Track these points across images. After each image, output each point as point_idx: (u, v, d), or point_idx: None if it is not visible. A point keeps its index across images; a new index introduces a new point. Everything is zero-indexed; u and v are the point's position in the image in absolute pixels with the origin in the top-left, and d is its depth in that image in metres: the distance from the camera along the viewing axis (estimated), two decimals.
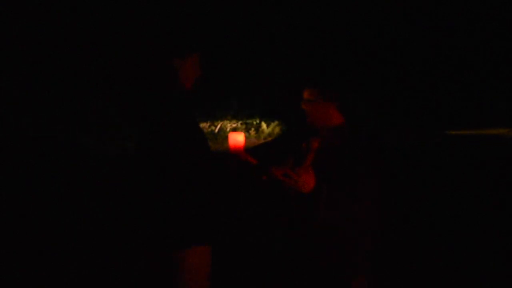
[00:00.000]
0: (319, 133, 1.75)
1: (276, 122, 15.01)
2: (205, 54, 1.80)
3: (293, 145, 1.79)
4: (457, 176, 7.91)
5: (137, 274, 1.75)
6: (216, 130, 14.15)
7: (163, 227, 1.61)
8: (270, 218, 1.82)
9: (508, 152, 12.16)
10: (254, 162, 1.69)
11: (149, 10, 10.01)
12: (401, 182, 6.21)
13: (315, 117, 1.74)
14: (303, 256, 1.70)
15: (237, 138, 1.70)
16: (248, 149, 1.75)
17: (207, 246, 1.67)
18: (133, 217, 1.70)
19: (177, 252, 1.61)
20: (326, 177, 1.61)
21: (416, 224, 4.50)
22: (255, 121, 15.26)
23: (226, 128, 14.33)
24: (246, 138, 1.74)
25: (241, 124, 14.91)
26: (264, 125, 15.12)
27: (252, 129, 15.18)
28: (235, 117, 14.83)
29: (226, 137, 1.73)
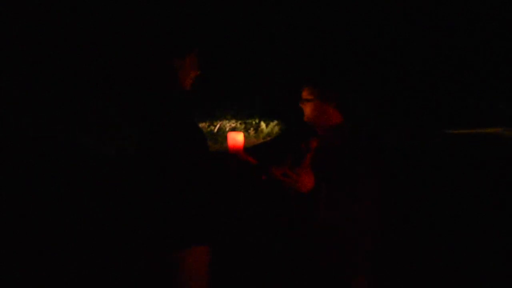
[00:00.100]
0: (317, 133, 1.75)
1: (275, 122, 15.01)
2: (204, 53, 1.80)
3: (292, 145, 1.79)
4: (456, 176, 7.91)
5: (137, 274, 1.75)
6: (215, 130, 14.15)
7: (163, 227, 1.61)
8: (270, 218, 1.82)
9: (505, 151, 12.18)
10: (253, 162, 1.69)
11: (148, 10, 10.01)
12: (401, 182, 6.22)
13: (314, 116, 1.74)
14: (303, 256, 1.70)
15: (236, 138, 1.70)
16: (247, 148, 1.75)
17: (207, 246, 1.67)
18: (133, 217, 1.70)
19: (177, 252, 1.61)
20: (325, 177, 1.61)
21: (416, 224, 4.50)
22: (254, 121, 15.25)
23: (225, 128, 14.33)
24: (245, 137, 1.74)
25: (240, 123, 14.91)
26: (263, 124, 15.12)
27: (251, 128, 15.18)
28: (234, 116, 14.83)
29: (225, 137, 1.73)
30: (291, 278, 1.72)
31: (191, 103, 1.74)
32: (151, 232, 1.64)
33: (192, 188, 1.62)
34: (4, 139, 7.97)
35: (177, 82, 1.72)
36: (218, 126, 14.25)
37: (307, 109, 1.75)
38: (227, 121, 14.67)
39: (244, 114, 14.80)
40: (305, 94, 1.75)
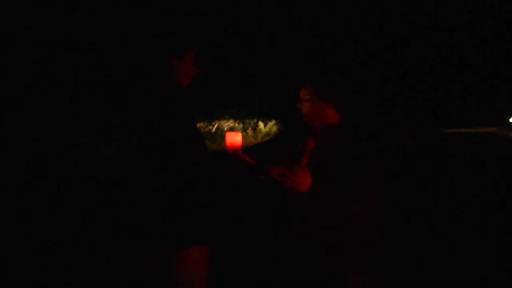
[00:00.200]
0: (315, 133, 1.75)
1: (273, 122, 15.00)
2: (204, 54, 1.80)
3: (290, 144, 1.79)
4: (456, 175, 7.91)
5: (137, 274, 1.75)
6: (214, 130, 14.15)
7: (163, 227, 1.61)
8: (270, 218, 1.82)
9: (503, 151, 12.14)
10: (251, 162, 1.69)
11: (148, 10, 10.01)
12: (401, 182, 6.21)
13: (311, 116, 1.74)
14: (303, 256, 1.69)
15: (235, 138, 1.70)
16: (246, 148, 1.75)
17: (206, 246, 1.67)
18: (133, 217, 1.70)
19: (177, 252, 1.61)
20: (323, 177, 1.61)
21: (416, 224, 4.50)
22: (253, 120, 15.24)
23: (223, 128, 14.34)
24: (244, 137, 1.74)
25: (238, 123, 14.91)
26: (261, 124, 15.11)
27: (250, 128, 15.17)
28: (232, 116, 14.83)
29: (224, 137, 1.73)
30: (291, 278, 1.72)
31: (190, 103, 1.74)
32: (151, 232, 1.64)
33: (192, 188, 1.62)
34: (4, 139, 7.97)
35: (176, 82, 1.72)
36: (216, 126, 14.24)
37: (305, 109, 1.75)
38: (225, 121, 14.67)
39: (243, 114, 14.79)
40: (302, 94, 1.75)
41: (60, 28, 9.62)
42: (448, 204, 5.42)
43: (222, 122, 14.45)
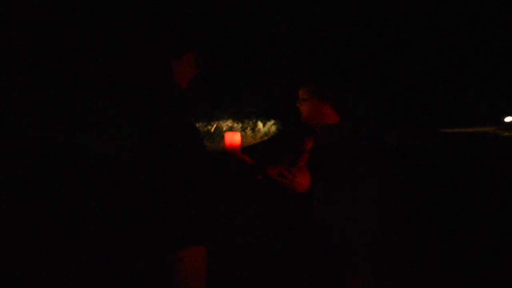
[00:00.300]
0: (314, 133, 1.75)
1: (272, 122, 15.00)
2: (204, 54, 1.80)
3: (289, 144, 1.79)
4: (455, 175, 7.91)
5: (136, 274, 1.75)
6: (212, 130, 14.15)
7: (163, 227, 1.61)
8: (270, 218, 1.82)
9: (501, 150, 12.14)
10: (250, 162, 1.69)
11: (148, 10, 10.01)
12: (401, 182, 6.21)
13: (310, 116, 1.74)
14: (303, 256, 1.69)
15: (233, 138, 1.70)
16: (245, 148, 1.75)
17: (205, 246, 1.67)
18: (133, 217, 1.70)
19: (176, 252, 1.61)
20: (322, 176, 1.61)
21: (416, 224, 4.50)
22: (252, 120, 15.24)
23: (222, 128, 14.34)
24: (242, 137, 1.74)
25: (237, 123, 14.91)
26: (260, 124, 15.11)
27: (248, 128, 15.17)
28: (231, 116, 14.83)
29: (222, 137, 1.73)
30: (291, 278, 1.72)
31: (190, 103, 1.74)
32: (150, 232, 1.64)
33: (192, 188, 1.62)
34: (4, 139, 7.97)
35: (176, 82, 1.73)
36: (215, 125, 14.24)
37: (304, 109, 1.75)
38: (224, 121, 14.67)
39: (242, 114, 14.79)
40: (301, 94, 1.75)
41: (60, 28, 9.62)
42: (448, 204, 5.42)
43: (221, 122, 14.45)
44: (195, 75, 1.79)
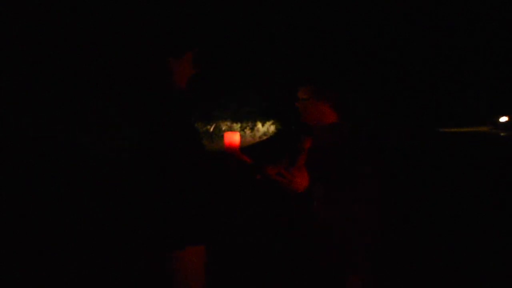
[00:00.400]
0: (312, 132, 1.75)
1: (271, 121, 15.00)
2: (204, 54, 1.80)
3: (288, 144, 1.78)
4: (455, 175, 7.91)
5: (136, 274, 1.75)
6: (211, 130, 14.15)
7: (162, 227, 1.61)
8: (270, 218, 1.82)
9: (500, 150, 12.15)
10: (249, 162, 1.69)
11: (148, 10, 10.01)
12: (401, 182, 6.21)
13: (309, 116, 1.74)
14: (303, 256, 1.69)
15: (233, 137, 1.69)
16: (244, 148, 1.75)
17: (205, 246, 1.67)
18: (133, 217, 1.70)
19: (176, 252, 1.61)
20: (322, 176, 1.61)
21: (416, 224, 4.50)
22: (251, 120, 15.24)
23: (221, 127, 14.33)
24: (242, 137, 1.74)
25: (236, 123, 14.91)
26: (259, 124, 15.10)
27: (247, 128, 15.16)
28: (231, 116, 14.82)
29: (222, 137, 1.73)
30: (291, 278, 1.72)
31: (190, 103, 1.74)
32: (150, 232, 1.64)
33: (192, 188, 1.62)
34: (4, 139, 7.97)
35: (176, 82, 1.73)
36: (214, 125, 14.24)
37: (303, 109, 1.75)
38: (223, 121, 14.67)
39: (241, 114, 14.79)
40: (300, 94, 1.75)
41: (60, 28, 9.62)
42: (448, 204, 5.42)
43: (220, 122, 14.45)
44: (195, 75, 1.79)
